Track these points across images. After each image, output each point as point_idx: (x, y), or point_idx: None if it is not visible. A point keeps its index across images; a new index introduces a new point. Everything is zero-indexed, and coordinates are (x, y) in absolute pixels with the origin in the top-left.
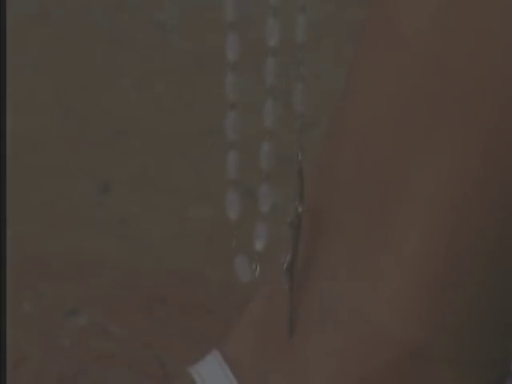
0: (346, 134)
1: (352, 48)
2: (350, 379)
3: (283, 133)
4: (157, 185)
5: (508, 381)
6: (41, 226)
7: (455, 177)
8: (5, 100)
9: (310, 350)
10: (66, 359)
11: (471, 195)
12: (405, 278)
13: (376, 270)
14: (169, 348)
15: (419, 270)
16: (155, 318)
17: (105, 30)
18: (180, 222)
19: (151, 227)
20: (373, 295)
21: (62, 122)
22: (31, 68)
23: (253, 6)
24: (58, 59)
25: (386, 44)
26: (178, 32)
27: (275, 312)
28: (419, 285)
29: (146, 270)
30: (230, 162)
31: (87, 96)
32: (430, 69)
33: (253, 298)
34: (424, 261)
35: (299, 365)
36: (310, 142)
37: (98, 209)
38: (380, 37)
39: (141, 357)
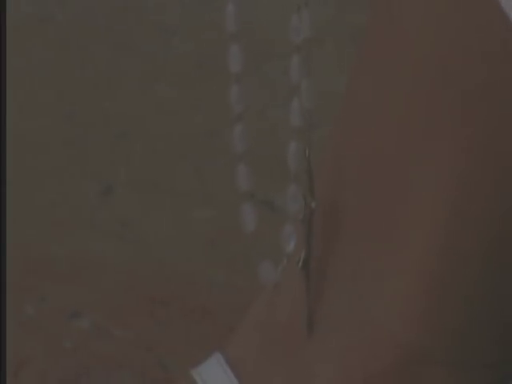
0: (349, 136)
1: (353, 49)
2: (353, 381)
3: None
4: (159, 187)
5: (511, 382)
6: (42, 228)
7: (456, 178)
8: (5, 101)
9: (312, 352)
10: (68, 362)
11: (473, 196)
12: (406, 280)
13: (378, 271)
14: (171, 350)
15: (420, 272)
16: (157, 321)
17: (107, 31)
18: (182, 225)
19: (153, 230)
20: (375, 297)
21: (64, 124)
22: (33, 70)
23: (256, 10)
24: (60, 61)
25: (388, 45)
26: (181, 34)
27: (278, 314)
28: (420, 287)
29: (148, 273)
30: (242, 174)
31: (89, 98)
32: (431, 69)
33: (255, 300)
34: (425, 263)
35: (302, 367)
36: (312, 143)
37: (100, 211)
38: (382, 38)
39: (143, 359)
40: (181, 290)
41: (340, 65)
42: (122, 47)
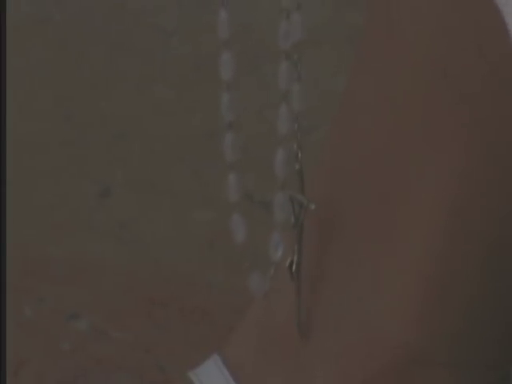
0: (347, 137)
1: (351, 50)
2: (351, 382)
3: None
4: (157, 188)
5: (509, 383)
6: (40, 229)
7: (456, 179)
8: (5, 103)
9: (310, 354)
10: (66, 363)
11: (472, 197)
12: (406, 281)
13: (376, 272)
14: (169, 352)
15: (420, 273)
16: (155, 323)
17: (105, 33)
18: (180, 226)
19: (151, 231)
20: (373, 298)
21: (62, 125)
22: (32, 70)
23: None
24: (58, 61)
25: (387, 45)
26: (178, 36)
27: (276, 316)
28: (420, 288)
29: (147, 274)
30: (232, 183)
31: (87, 99)
32: (430, 70)
33: (254, 301)
34: (425, 264)
35: (300, 368)
36: (310, 145)
37: (98, 212)
38: (381, 38)
39: (141, 361)
40: (179, 291)
41: (337, 65)
42: (120, 48)
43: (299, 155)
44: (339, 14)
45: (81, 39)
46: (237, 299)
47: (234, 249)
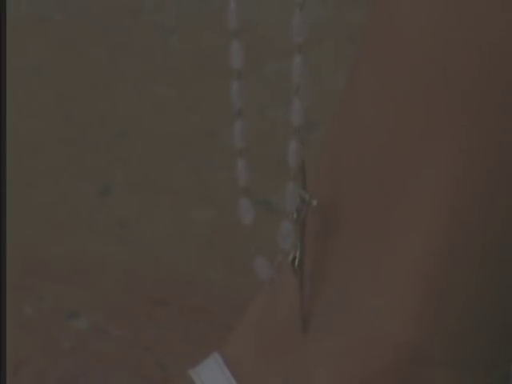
0: (347, 136)
1: (352, 49)
2: (350, 381)
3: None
4: (157, 187)
5: (508, 382)
6: (41, 228)
7: (455, 179)
8: (5, 103)
9: (310, 352)
10: (66, 362)
11: (471, 197)
12: (405, 281)
13: (376, 272)
14: (169, 351)
15: (419, 272)
16: (155, 321)
17: (105, 31)
18: (180, 225)
19: (151, 230)
20: (373, 298)
21: (62, 124)
22: (32, 70)
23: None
24: (59, 61)
25: (388, 44)
26: (178, 34)
27: (276, 313)
28: (419, 287)
29: (147, 273)
30: (240, 169)
31: (87, 98)
32: (430, 69)
33: (253, 299)
34: (423, 264)
35: (300, 367)
36: (310, 142)
37: (98, 211)
38: (381, 37)
39: (141, 359)
40: (179, 289)
41: (338, 64)
42: (119, 47)
43: (301, 151)
44: (340, 12)
45: (80, 38)
46: (237, 297)
47: (233, 247)
